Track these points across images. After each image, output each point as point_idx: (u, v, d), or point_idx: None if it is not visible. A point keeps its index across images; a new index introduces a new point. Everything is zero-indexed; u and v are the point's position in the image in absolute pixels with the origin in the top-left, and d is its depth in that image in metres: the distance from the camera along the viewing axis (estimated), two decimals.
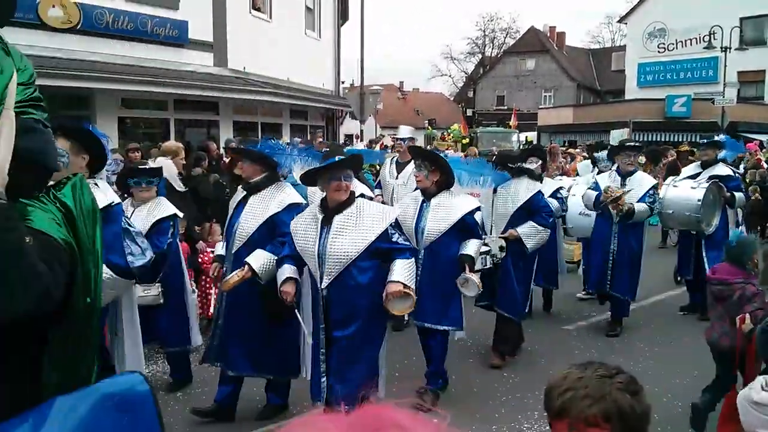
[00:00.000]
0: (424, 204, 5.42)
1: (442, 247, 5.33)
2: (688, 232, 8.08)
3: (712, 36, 26.96)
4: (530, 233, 6.18)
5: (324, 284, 4.22)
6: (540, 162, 7.04)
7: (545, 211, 6.32)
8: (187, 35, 15.30)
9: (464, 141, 14.78)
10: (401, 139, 8.25)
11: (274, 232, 4.71)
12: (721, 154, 8.28)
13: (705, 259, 7.70)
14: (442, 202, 5.37)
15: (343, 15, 23.14)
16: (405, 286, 4.20)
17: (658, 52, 35.52)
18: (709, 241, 7.73)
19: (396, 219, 4.59)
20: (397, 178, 7.70)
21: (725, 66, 27.13)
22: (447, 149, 13.39)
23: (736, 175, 7.91)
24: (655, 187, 7.56)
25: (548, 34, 51.88)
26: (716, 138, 7.92)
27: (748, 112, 28.78)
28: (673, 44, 34.95)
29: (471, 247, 5.27)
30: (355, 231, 4.19)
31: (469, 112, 48.18)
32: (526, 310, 6.71)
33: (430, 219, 5.34)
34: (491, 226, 6.36)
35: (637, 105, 31.47)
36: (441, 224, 5.29)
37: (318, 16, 21.50)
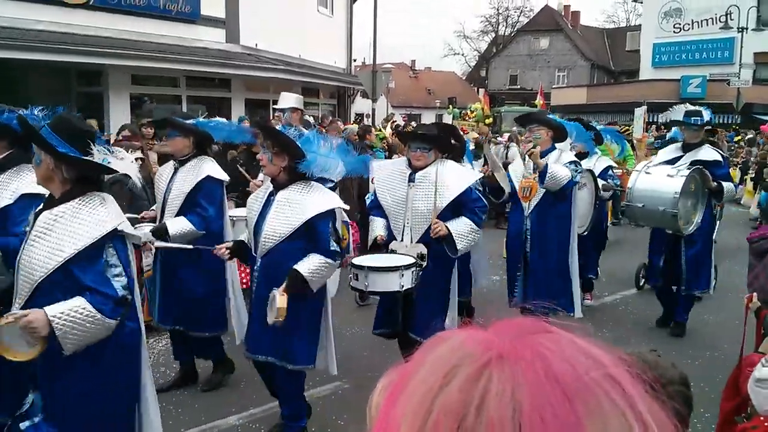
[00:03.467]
0: (271, 197, 4.17)
1: (280, 257, 4.03)
2: (662, 229, 6.45)
3: (728, 16, 26.59)
4: (464, 232, 4.69)
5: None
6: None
7: (478, 205, 4.82)
8: (198, 11, 15.26)
9: (488, 121, 14.57)
10: (281, 110, 6.36)
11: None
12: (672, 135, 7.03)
13: (683, 265, 6.28)
14: (292, 197, 4.08)
15: None
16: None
17: (674, 32, 35.07)
18: (690, 241, 6.25)
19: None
20: None
21: (741, 47, 26.80)
22: (470, 130, 13.16)
23: (724, 160, 6.39)
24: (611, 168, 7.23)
25: (562, 13, 51.31)
26: (703, 113, 6.28)
27: (764, 94, 28.45)
28: (688, 24, 34.49)
29: (308, 263, 3.96)
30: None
31: (481, 92, 47.89)
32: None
33: (271, 218, 4.08)
34: (403, 227, 4.80)
35: (651, 85, 31.20)
36: (281, 227, 4.04)
37: None
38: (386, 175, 4.97)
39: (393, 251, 4.72)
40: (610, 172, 7.51)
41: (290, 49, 18.15)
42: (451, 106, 22.69)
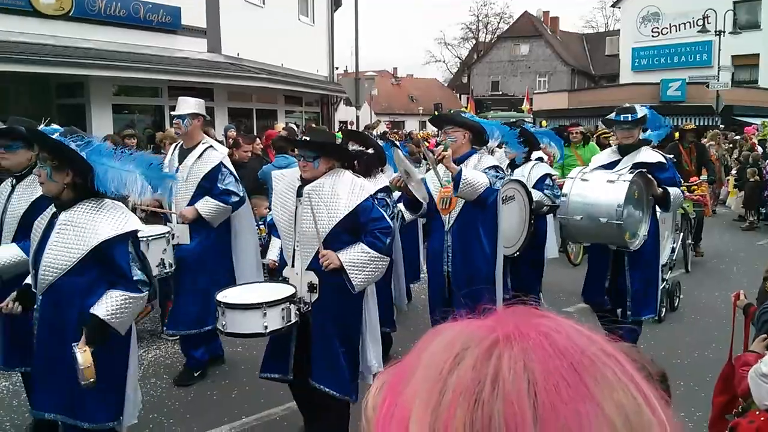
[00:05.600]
0: (54, 219, 3.39)
1: (63, 295, 3.33)
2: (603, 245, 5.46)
3: (705, 20, 26.88)
4: (359, 262, 3.82)
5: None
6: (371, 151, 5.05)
7: (379, 227, 3.89)
8: (180, 21, 15.20)
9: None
10: (179, 117, 5.38)
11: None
12: (646, 133, 5.95)
13: (628, 281, 5.39)
14: (77, 219, 3.31)
15: (336, 1, 23.02)
16: None
17: (652, 36, 35.47)
18: (634, 256, 5.33)
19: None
20: (177, 170, 5.27)
21: (719, 50, 27.10)
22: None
23: (668, 162, 5.56)
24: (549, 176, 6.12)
25: (542, 19, 51.71)
26: (637, 109, 5.61)
27: (743, 96, 28.82)
28: (666, 28, 34.88)
29: (105, 302, 3.26)
30: None
31: (464, 99, 48.13)
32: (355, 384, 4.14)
33: (50, 246, 3.31)
34: (293, 250, 3.98)
35: (631, 89, 31.44)
36: (62, 257, 3.28)
37: (311, 2, 21.40)
38: (282, 188, 4.09)
39: (285, 279, 3.98)
40: (548, 181, 6.29)
41: (272, 58, 18.14)
42: (437, 112, 22.74)
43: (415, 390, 0.59)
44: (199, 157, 5.32)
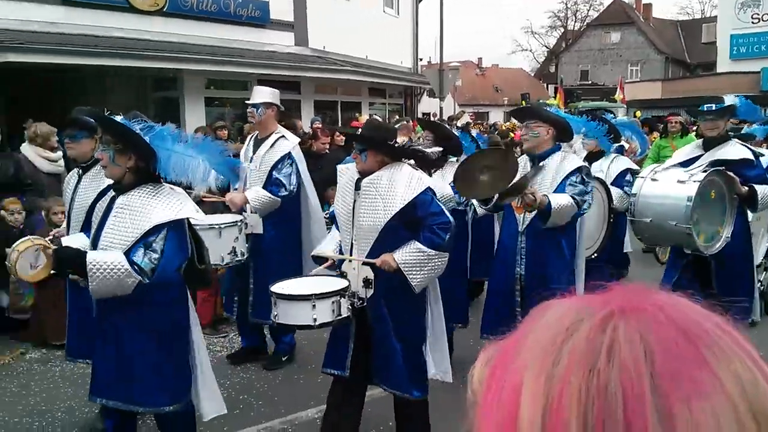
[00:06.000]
0: (112, 203, 3.47)
1: None
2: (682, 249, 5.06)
3: None
4: (415, 261, 3.71)
5: None
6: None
7: (438, 222, 3.76)
8: (268, 15, 15.57)
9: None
10: (253, 106, 5.49)
11: None
12: (751, 128, 5.32)
13: (714, 284, 5.04)
14: (133, 203, 3.35)
15: None
16: None
17: (752, 22, 33.53)
18: (720, 257, 4.95)
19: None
20: (251, 160, 5.48)
21: None
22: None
23: (758, 159, 5.00)
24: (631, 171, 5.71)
25: (634, 6, 49.91)
26: (726, 99, 5.05)
27: None
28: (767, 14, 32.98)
29: (106, 254, 3.31)
30: None
31: (551, 89, 47.10)
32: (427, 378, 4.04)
33: (107, 229, 3.39)
34: (351, 245, 3.91)
35: (729, 78, 29.95)
36: (117, 240, 3.34)
37: None
38: (344, 182, 4.04)
39: (343, 274, 3.89)
40: (628, 176, 6.00)
41: (357, 51, 18.30)
42: (524, 102, 22.23)
43: (526, 361, 0.60)
44: (272, 146, 5.42)
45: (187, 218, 3.38)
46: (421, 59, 24.80)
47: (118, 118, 3.39)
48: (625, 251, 6.85)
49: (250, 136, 5.84)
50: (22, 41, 10.94)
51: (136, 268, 3.17)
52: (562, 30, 56.25)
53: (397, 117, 17.28)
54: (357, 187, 3.83)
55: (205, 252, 3.67)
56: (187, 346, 3.56)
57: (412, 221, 3.75)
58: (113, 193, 3.43)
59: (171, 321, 3.45)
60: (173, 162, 3.29)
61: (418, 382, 3.91)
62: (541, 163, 4.52)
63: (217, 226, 4.85)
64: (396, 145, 3.90)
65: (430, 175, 4.92)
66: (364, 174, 3.83)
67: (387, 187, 3.72)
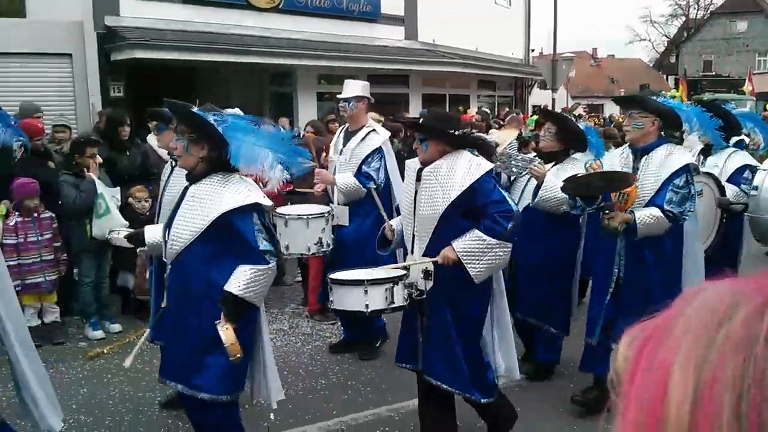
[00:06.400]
0: (186, 192, 3.53)
1: (188, 267, 3.39)
2: None
3: None
4: (474, 250, 3.57)
5: None
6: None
7: (500, 210, 3.58)
8: (379, 10, 15.73)
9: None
10: (345, 100, 5.52)
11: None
12: None
13: None
14: (204, 191, 3.38)
15: None
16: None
17: None
18: None
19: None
20: (341, 153, 5.53)
21: None
22: None
23: None
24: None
25: None
26: None
27: None
28: None
29: (237, 278, 3.27)
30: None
31: (671, 80, 44.89)
32: (495, 380, 3.91)
33: (179, 217, 3.43)
34: (412, 235, 3.82)
35: None
36: (188, 228, 3.36)
37: None
38: (409, 173, 3.98)
39: (406, 267, 3.79)
40: (746, 173, 5.37)
41: (466, 43, 18.14)
42: None
43: (677, 342, 0.58)
44: (362, 140, 5.43)
45: (256, 203, 3.39)
46: (532, 50, 24.28)
47: (194, 109, 3.50)
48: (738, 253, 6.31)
49: (340, 128, 5.87)
50: (148, 39, 11.59)
51: (265, 258, 3.29)
52: (684, 18, 53.47)
53: (507, 109, 17.00)
54: (418, 177, 3.75)
55: (274, 234, 3.70)
56: (253, 334, 3.56)
57: (472, 210, 3.60)
58: (187, 183, 3.51)
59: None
60: (243, 152, 3.34)
61: (482, 385, 3.75)
62: (643, 158, 4.20)
63: (305, 217, 4.96)
64: (457, 133, 3.78)
65: (519, 174, 4.78)
66: (425, 164, 3.75)
67: (446, 175, 3.61)
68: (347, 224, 5.40)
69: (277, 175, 3.63)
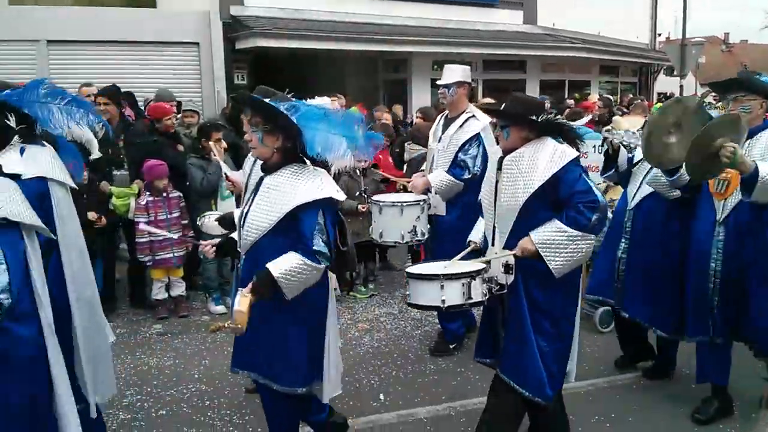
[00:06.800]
0: (260, 183, 3.45)
1: (261, 256, 3.33)
2: None
3: None
4: (554, 242, 3.35)
5: None
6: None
7: (585, 200, 3.33)
8: None
9: None
10: (445, 86, 5.36)
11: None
12: None
13: None
14: (279, 183, 3.33)
15: None
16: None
17: None
18: None
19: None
20: (440, 140, 5.38)
21: None
22: None
23: None
24: None
25: None
26: None
27: None
28: None
29: (283, 262, 3.20)
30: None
31: None
32: (557, 387, 3.60)
33: (254, 208, 3.39)
34: (493, 227, 3.62)
35: None
36: (262, 219, 3.33)
37: None
38: (492, 162, 3.77)
39: (488, 261, 3.56)
40: None
41: (589, 27, 17.51)
42: None
43: None
44: (461, 126, 5.25)
45: (327, 198, 3.34)
46: (659, 34, 23.11)
47: (267, 100, 3.41)
48: None
49: (440, 115, 5.67)
50: (271, 28, 11.98)
51: (316, 257, 3.21)
52: None
53: (631, 96, 16.27)
54: (499, 166, 3.53)
55: (347, 234, 3.65)
56: (323, 328, 3.51)
57: (555, 202, 3.36)
58: (262, 174, 3.46)
59: (311, 302, 3.41)
60: (318, 140, 3.28)
61: (554, 386, 3.51)
62: (747, 142, 3.82)
63: (399, 204, 4.86)
64: (539, 119, 3.49)
65: (630, 146, 4.35)
66: (506, 152, 3.52)
67: (529, 164, 3.39)
68: (444, 214, 5.28)
69: (349, 162, 3.59)
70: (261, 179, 3.42)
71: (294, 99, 3.49)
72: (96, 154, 5.54)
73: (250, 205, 3.41)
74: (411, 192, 5.31)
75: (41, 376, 2.75)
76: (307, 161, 3.41)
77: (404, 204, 4.93)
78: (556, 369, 3.49)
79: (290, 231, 3.25)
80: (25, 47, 11.46)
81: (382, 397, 4.61)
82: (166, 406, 4.45)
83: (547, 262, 3.31)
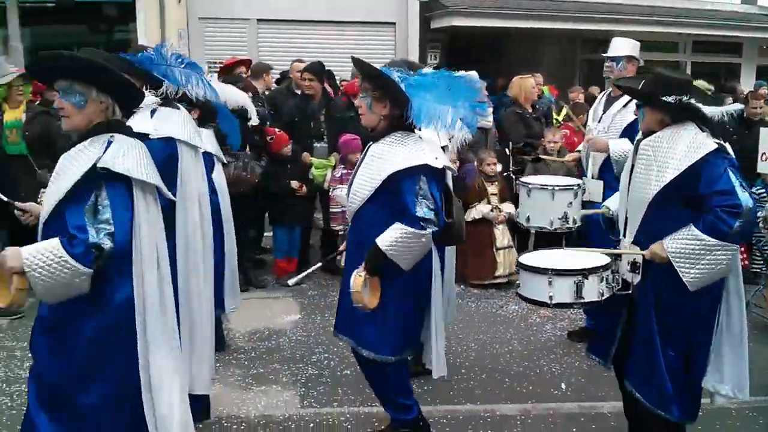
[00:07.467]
0: (367, 151, 3.50)
1: (364, 223, 3.40)
2: None
3: None
4: (689, 251, 2.94)
5: None
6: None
7: (726, 203, 2.86)
8: None
9: None
10: (611, 59, 5.06)
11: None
12: None
13: None
14: (381, 151, 3.36)
15: None
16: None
17: None
18: None
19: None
20: (600, 120, 5.01)
21: None
22: None
23: None
24: None
25: None
26: None
27: None
28: None
29: (388, 233, 3.19)
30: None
31: None
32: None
33: (358, 177, 3.44)
34: (625, 219, 3.30)
35: None
36: (364, 186, 3.36)
37: None
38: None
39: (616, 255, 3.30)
40: None
41: None
42: None
43: None
44: (625, 105, 4.79)
45: (424, 164, 3.28)
46: None
47: (377, 67, 3.45)
48: None
49: (601, 93, 5.29)
50: (467, 6, 11.97)
51: (420, 223, 3.19)
52: None
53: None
54: (636, 149, 3.22)
55: (454, 206, 3.56)
56: (426, 302, 3.48)
57: (691, 197, 2.95)
58: (370, 142, 3.49)
59: (414, 268, 3.35)
60: (424, 110, 3.24)
61: (682, 400, 3.11)
62: None
63: (550, 187, 4.39)
64: (679, 101, 3.02)
65: None
66: (645, 134, 3.18)
67: (665, 151, 3.00)
68: (600, 201, 4.64)
69: (457, 133, 3.56)
70: (368, 147, 3.46)
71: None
72: (255, 120, 5.60)
73: (356, 174, 3.47)
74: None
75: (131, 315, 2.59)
76: (416, 131, 3.42)
77: (556, 188, 4.45)
78: (681, 383, 3.10)
79: (393, 200, 3.25)
80: (237, 25, 12.43)
81: (563, 386, 4.52)
82: (350, 366, 4.61)
83: (681, 275, 2.95)
